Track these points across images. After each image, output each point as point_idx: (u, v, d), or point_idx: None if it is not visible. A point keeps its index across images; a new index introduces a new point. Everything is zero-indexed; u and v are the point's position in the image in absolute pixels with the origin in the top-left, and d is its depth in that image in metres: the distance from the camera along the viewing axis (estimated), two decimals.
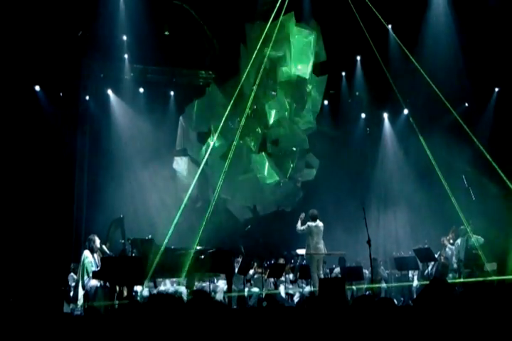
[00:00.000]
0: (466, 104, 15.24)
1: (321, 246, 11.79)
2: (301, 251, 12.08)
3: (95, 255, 9.51)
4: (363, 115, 17.45)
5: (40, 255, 12.13)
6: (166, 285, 11.60)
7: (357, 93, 17.24)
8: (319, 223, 11.92)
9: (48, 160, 13.45)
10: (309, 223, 11.84)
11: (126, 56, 14.79)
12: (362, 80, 16.58)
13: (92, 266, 9.35)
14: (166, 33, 15.07)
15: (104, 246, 9.54)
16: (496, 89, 15.08)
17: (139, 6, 13.49)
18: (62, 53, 13.50)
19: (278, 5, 11.83)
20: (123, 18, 13.95)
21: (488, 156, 10.68)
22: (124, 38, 14.40)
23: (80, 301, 9.38)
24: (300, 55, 15.13)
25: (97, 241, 9.57)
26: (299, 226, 12.00)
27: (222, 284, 11.48)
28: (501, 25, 12.77)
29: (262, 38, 12.99)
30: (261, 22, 14.50)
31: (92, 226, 12.40)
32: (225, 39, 15.58)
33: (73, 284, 10.61)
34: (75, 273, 10.71)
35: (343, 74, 16.88)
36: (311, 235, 11.77)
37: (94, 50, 14.25)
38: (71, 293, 10.21)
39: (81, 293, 9.36)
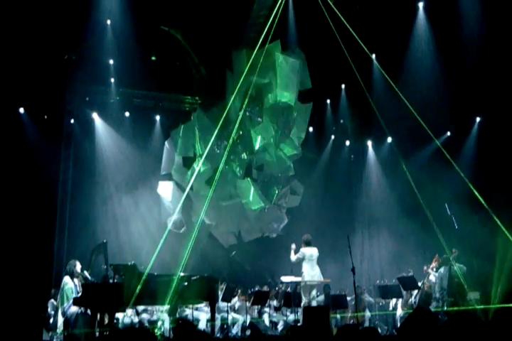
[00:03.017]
0: (449, 133, 15.47)
1: (317, 272, 11.32)
2: (286, 279, 11.82)
3: (76, 280, 9.34)
4: (348, 142, 17.64)
5: (20, 280, 11.88)
6: (148, 313, 11.41)
7: (341, 121, 17.46)
8: (313, 248, 11.47)
9: (30, 183, 13.28)
10: (302, 249, 11.39)
11: (112, 80, 14.81)
12: (346, 108, 16.81)
13: (72, 292, 9.17)
14: (153, 58, 15.18)
15: (85, 272, 9.36)
16: (478, 119, 15.32)
17: (126, 31, 13.57)
18: (47, 76, 13.51)
19: (264, 33, 11.95)
20: (110, 42, 13.98)
21: (470, 185, 10.75)
22: (111, 61, 14.42)
23: (60, 328, 9.17)
24: (286, 82, 15.31)
25: (78, 266, 9.41)
26: (292, 256, 11.50)
27: (205, 312, 11.31)
28: (483, 56, 13.05)
29: (249, 64, 13.10)
30: (247, 49, 14.69)
31: (74, 252, 12.22)
32: (211, 65, 15.72)
33: (53, 311, 10.40)
34: (55, 300, 10.50)
35: (328, 102, 17.09)
36: (306, 262, 11.30)
37: (80, 73, 14.30)
38: (50, 320, 10.01)
39: (61, 320, 9.16)
